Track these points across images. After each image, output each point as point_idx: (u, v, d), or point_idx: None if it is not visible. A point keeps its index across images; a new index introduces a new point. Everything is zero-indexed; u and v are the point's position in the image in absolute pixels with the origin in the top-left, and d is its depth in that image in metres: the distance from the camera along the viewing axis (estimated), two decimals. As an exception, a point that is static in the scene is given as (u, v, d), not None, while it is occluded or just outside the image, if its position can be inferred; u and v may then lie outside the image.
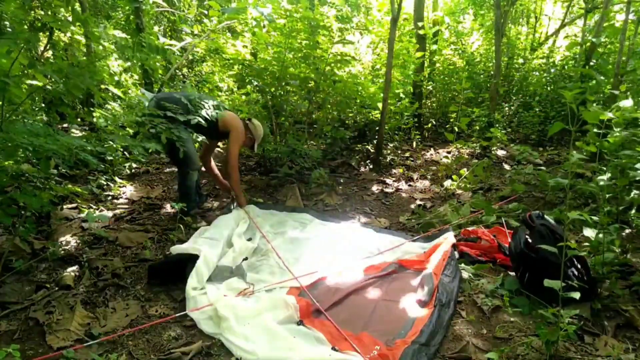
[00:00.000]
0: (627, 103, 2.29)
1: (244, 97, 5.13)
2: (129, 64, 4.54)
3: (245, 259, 2.77)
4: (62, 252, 2.72)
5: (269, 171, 4.60)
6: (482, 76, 7.41)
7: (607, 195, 2.44)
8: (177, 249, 2.65)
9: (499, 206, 3.64)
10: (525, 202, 3.74)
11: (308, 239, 3.09)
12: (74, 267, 2.57)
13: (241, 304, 2.19)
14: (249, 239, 3.09)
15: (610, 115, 2.17)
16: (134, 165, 4.55)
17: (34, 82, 2.60)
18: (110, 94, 4.33)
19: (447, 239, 2.87)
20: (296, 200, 3.92)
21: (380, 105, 5.13)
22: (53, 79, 2.47)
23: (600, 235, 2.39)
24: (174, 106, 3.10)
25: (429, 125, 6.82)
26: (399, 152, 5.80)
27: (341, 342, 1.97)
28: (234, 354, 1.90)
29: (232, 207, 3.50)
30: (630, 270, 2.45)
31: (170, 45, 4.66)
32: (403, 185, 4.63)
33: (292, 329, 2.06)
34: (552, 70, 7.15)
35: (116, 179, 4.13)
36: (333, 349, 1.92)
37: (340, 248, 2.96)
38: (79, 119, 4.48)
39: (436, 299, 2.27)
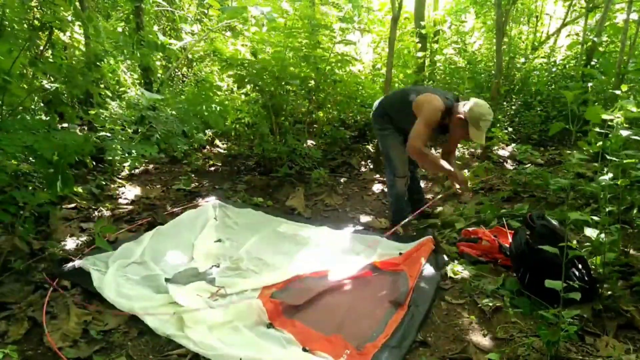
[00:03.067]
0: (629, 103, 2.28)
1: (243, 97, 5.12)
2: (128, 62, 4.53)
3: (217, 266, 2.69)
4: (61, 252, 2.71)
5: (269, 171, 4.59)
6: (483, 75, 7.39)
7: (609, 196, 2.42)
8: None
9: (502, 208, 3.61)
10: (526, 202, 3.73)
11: (283, 240, 3.06)
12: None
13: (208, 314, 2.11)
14: (219, 240, 3.04)
15: (612, 115, 2.16)
16: (134, 165, 4.54)
17: (35, 82, 2.60)
18: (109, 93, 4.32)
19: (427, 244, 2.81)
20: (299, 201, 3.90)
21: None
22: (53, 78, 2.47)
23: (602, 236, 2.38)
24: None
25: (430, 125, 6.79)
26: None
27: (312, 343, 1.96)
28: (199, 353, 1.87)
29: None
30: (631, 271, 2.43)
31: (170, 44, 4.65)
32: (403, 185, 4.61)
33: (261, 332, 2.03)
34: (554, 69, 7.13)
35: (115, 178, 4.13)
36: (304, 349, 1.91)
37: (316, 249, 2.92)
38: (79, 119, 4.48)
39: (411, 300, 2.26)
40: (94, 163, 4.06)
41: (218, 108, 3.97)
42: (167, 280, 2.43)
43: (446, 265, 2.68)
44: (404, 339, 1.98)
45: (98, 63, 2.92)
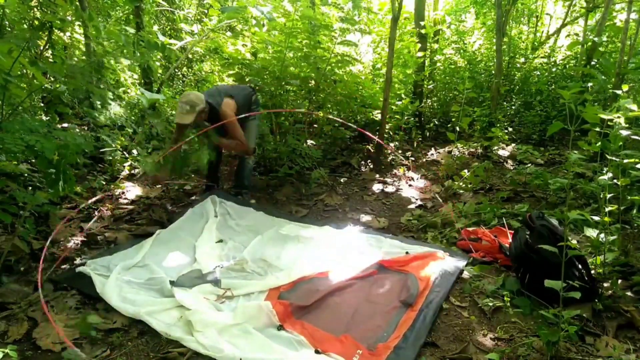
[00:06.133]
0: (629, 102, 2.28)
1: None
2: (128, 62, 4.53)
3: (220, 266, 2.66)
4: (61, 252, 2.71)
5: (269, 171, 4.59)
6: (483, 75, 7.39)
7: (609, 195, 2.43)
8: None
9: (502, 208, 3.62)
10: (526, 202, 3.73)
11: (286, 241, 3.04)
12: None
13: (217, 317, 2.09)
14: (220, 241, 3.02)
15: (611, 115, 2.16)
16: (134, 165, 4.53)
17: (35, 82, 2.60)
18: (109, 94, 4.32)
19: (440, 257, 2.74)
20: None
21: (380, 104, 5.12)
22: (53, 79, 2.47)
23: (602, 236, 2.38)
24: None
25: (431, 125, 6.81)
26: (400, 151, 5.78)
27: (323, 344, 1.95)
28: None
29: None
30: (631, 271, 2.43)
31: (170, 44, 4.65)
32: (404, 185, 4.62)
33: (272, 335, 2.01)
34: (554, 69, 7.14)
35: (119, 176, 4.12)
36: (316, 351, 1.90)
37: (320, 249, 2.90)
38: (79, 119, 4.48)
39: (423, 303, 2.24)
40: (93, 163, 4.06)
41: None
42: (171, 283, 2.40)
43: (462, 272, 2.64)
44: (417, 341, 1.98)
45: (101, 66, 2.92)
